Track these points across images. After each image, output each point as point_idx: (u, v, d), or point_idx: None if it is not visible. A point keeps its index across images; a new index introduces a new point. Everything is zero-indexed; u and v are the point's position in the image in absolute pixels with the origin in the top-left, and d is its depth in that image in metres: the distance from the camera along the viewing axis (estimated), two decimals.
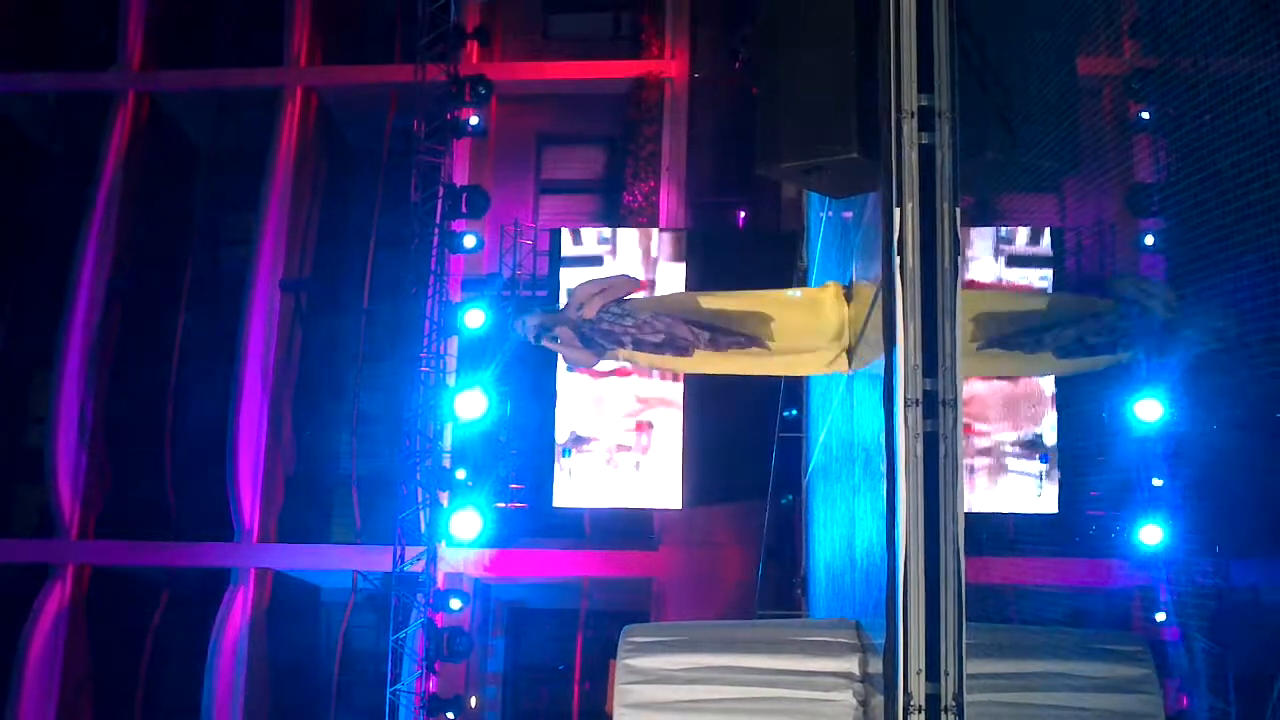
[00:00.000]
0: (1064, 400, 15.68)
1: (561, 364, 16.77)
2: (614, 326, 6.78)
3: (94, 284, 18.72)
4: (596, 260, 16.86)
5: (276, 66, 19.40)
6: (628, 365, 7.13)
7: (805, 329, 7.20)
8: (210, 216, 20.53)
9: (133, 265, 19.31)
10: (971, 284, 13.34)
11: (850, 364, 7.32)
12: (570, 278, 15.83)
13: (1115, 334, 6.35)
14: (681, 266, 16.95)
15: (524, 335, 6.95)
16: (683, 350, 6.85)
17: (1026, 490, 15.74)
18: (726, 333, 6.88)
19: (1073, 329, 6.39)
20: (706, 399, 16.82)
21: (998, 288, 13.35)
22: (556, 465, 16.71)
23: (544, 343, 6.92)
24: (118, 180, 19.02)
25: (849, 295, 7.40)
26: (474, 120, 17.33)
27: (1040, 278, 15.77)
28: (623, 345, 6.85)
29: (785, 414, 15.20)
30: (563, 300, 7.26)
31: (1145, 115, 14.78)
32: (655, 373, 16.50)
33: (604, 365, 7.11)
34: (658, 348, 6.85)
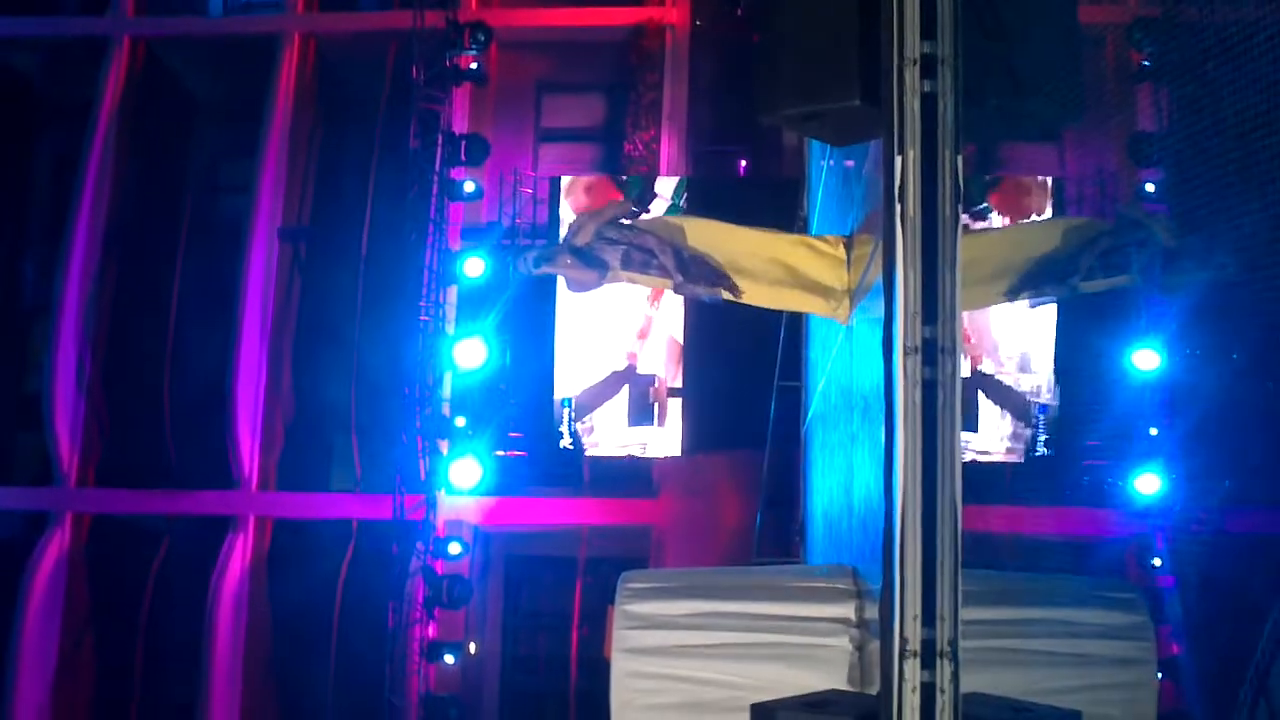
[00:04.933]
0: (1062, 350, 15.73)
1: (560, 313, 16.80)
2: (606, 246, 6.81)
3: (91, 231, 18.66)
4: None
5: (274, 13, 19.27)
6: (626, 283, 7.12)
7: (800, 269, 7.20)
8: (208, 164, 20.45)
9: (130, 213, 19.24)
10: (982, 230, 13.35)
11: (850, 313, 7.32)
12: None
13: (1127, 251, 6.34)
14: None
15: (526, 271, 6.96)
16: (666, 273, 6.87)
17: (1022, 422, 15.80)
18: (704, 272, 6.89)
19: (1093, 251, 6.38)
20: (706, 347, 16.86)
21: (1007, 231, 13.31)
22: (556, 412, 16.81)
23: (544, 268, 6.93)
24: (114, 128, 18.92)
25: (850, 244, 7.40)
26: (473, 66, 17.23)
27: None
28: (615, 265, 6.87)
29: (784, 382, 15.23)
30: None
31: (1147, 64, 14.75)
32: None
33: (606, 285, 7.09)
34: (645, 265, 6.87)
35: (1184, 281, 6.33)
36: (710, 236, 7.01)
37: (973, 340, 15.46)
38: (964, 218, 4.18)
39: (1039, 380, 15.71)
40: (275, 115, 18.56)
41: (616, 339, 16.93)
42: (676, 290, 7.00)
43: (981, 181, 15.73)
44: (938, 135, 4.12)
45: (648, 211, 15.90)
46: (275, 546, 18.07)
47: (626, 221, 6.89)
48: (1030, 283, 6.50)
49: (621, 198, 16.01)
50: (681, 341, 16.98)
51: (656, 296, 16.68)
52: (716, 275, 6.95)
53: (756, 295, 7.12)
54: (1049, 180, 16.09)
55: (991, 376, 15.75)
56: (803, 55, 4.99)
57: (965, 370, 14.88)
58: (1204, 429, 14.01)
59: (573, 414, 16.74)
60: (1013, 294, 6.57)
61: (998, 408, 15.72)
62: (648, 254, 6.86)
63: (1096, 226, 6.65)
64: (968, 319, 14.99)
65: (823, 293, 7.24)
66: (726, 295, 7.01)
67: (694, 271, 6.90)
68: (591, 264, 6.81)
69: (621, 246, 6.83)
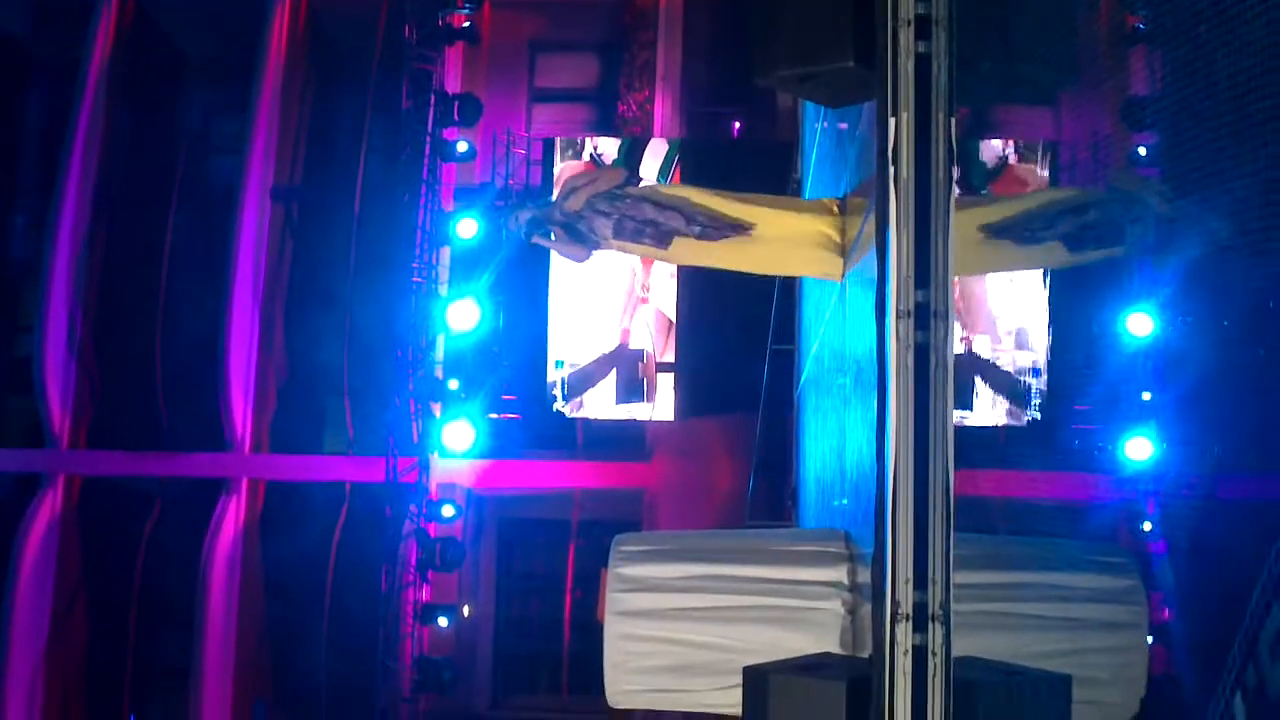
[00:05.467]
0: (1055, 314, 15.74)
1: (554, 278, 16.77)
2: (598, 216, 6.79)
3: (81, 191, 18.52)
4: None
5: None
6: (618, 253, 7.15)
7: (796, 225, 7.19)
8: (199, 123, 20.31)
9: (121, 172, 19.12)
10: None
11: (843, 274, 7.31)
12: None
13: (1119, 224, 6.36)
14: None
15: (517, 232, 6.93)
16: (663, 238, 6.83)
17: (1016, 404, 15.82)
18: (714, 223, 6.87)
19: (1077, 217, 6.40)
20: (700, 311, 16.84)
21: (999, 194, 13.32)
22: (550, 375, 16.81)
23: (536, 239, 6.91)
24: (103, 86, 18.72)
25: (843, 207, 7.38)
26: (466, 25, 17.11)
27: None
28: (607, 235, 6.84)
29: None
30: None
31: (1142, 27, 14.69)
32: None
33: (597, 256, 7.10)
34: (638, 234, 6.83)
35: (1177, 250, 6.34)
36: (709, 201, 7.00)
37: (962, 307, 15.45)
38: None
39: (1036, 358, 15.73)
40: (266, 73, 18.38)
41: (610, 307, 16.90)
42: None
43: (983, 170, 15.72)
44: (931, 97, 4.10)
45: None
46: (268, 509, 18.07)
47: (621, 191, 6.86)
48: (1007, 233, 6.52)
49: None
50: (671, 317, 16.97)
51: (646, 274, 16.68)
52: (726, 228, 6.93)
53: (756, 256, 7.11)
54: (1047, 174, 16.05)
55: (989, 361, 15.76)
56: (798, 16, 4.96)
57: (959, 349, 14.92)
58: (1195, 394, 14.04)
59: (565, 381, 16.74)
60: (990, 240, 6.58)
61: (993, 392, 15.75)
62: (641, 224, 6.83)
63: (1086, 196, 6.66)
64: (959, 285, 14.99)
65: (817, 254, 7.23)
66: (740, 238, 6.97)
67: (707, 225, 6.87)
68: (581, 239, 6.79)
69: (614, 216, 6.80)
